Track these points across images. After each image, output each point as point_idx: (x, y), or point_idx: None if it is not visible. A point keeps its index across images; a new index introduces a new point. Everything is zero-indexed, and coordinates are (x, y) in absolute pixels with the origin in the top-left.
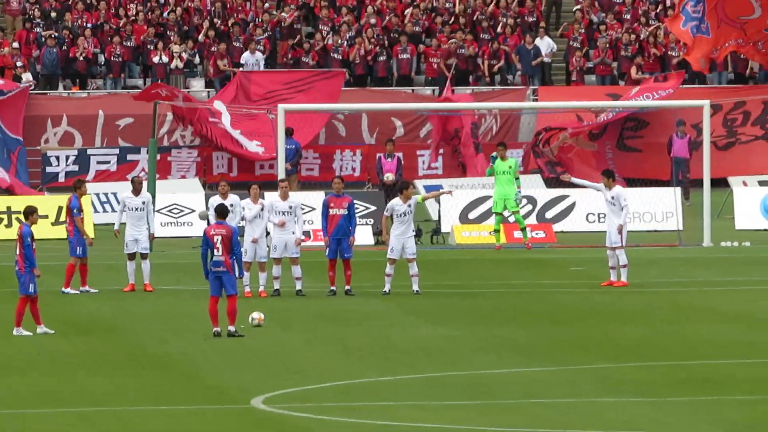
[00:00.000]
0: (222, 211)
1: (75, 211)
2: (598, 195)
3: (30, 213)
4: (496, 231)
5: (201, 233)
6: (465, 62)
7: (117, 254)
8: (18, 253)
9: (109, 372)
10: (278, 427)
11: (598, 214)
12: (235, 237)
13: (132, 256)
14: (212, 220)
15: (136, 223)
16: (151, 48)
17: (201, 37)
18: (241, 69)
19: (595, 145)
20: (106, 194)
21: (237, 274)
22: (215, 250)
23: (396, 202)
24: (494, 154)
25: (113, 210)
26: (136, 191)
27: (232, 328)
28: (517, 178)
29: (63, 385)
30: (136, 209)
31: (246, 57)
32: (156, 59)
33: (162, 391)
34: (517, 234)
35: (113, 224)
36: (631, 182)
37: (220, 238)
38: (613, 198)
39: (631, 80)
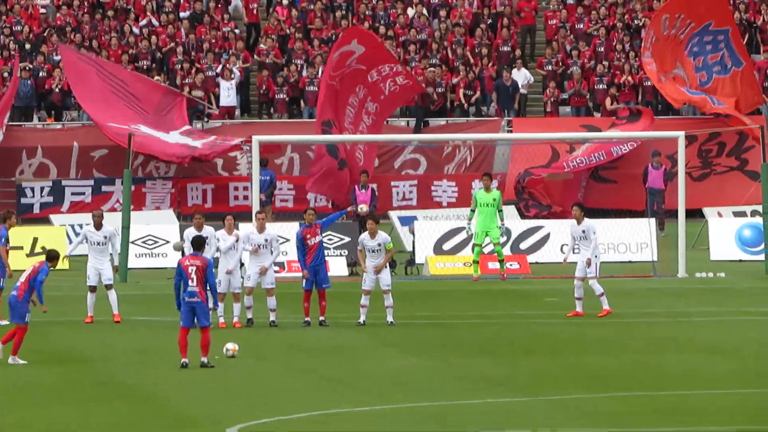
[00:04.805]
0: (199, 244)
1: (2, 240)
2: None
3: (54, 257)
4: (475, 262)
5: (175, 264)
6: (441, 95)
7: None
8: (23, 280)
9: (82, 402)
10: None
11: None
12: (210, 269)
13: (93, 289)
14: (187, 252)
15: (98, 257)
16: None
17: (175, 67)
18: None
19: (571, 174)
20: (80, 225)
21: (211, 306)
22: (189, 281)
23: (365, 237)
24: (478, 185)
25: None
26: (97, 226)
27: (204, 360)
28: (500, 210)
29: (35, 416)
30: (98, 243)
31: (222, 83)
32: None
33: (134, 422)
34: (492, 265)
35: (80, 255)
36: (605, 213)
37: (194, 269)
38: (584, 231)
39: (606, 112)
